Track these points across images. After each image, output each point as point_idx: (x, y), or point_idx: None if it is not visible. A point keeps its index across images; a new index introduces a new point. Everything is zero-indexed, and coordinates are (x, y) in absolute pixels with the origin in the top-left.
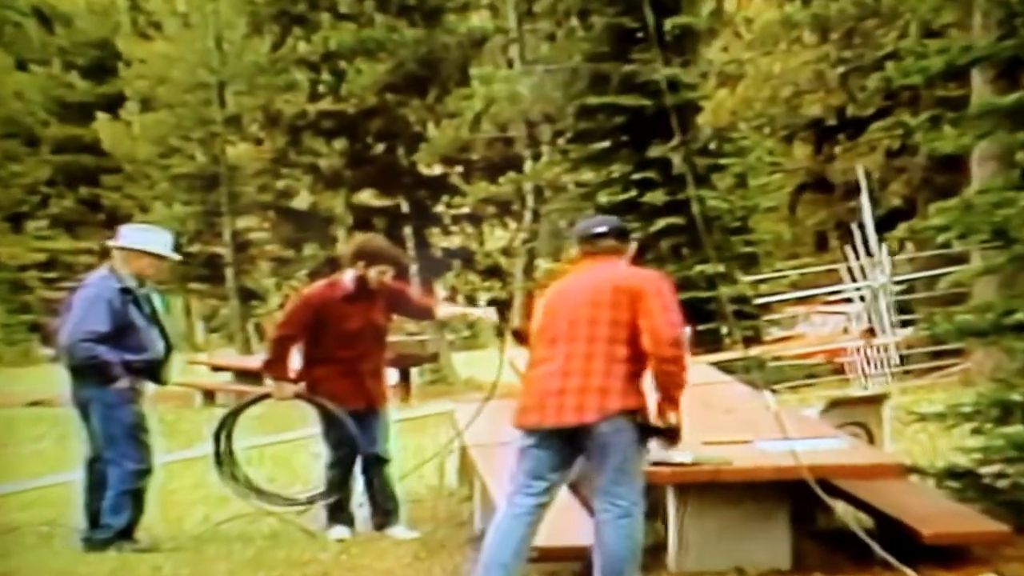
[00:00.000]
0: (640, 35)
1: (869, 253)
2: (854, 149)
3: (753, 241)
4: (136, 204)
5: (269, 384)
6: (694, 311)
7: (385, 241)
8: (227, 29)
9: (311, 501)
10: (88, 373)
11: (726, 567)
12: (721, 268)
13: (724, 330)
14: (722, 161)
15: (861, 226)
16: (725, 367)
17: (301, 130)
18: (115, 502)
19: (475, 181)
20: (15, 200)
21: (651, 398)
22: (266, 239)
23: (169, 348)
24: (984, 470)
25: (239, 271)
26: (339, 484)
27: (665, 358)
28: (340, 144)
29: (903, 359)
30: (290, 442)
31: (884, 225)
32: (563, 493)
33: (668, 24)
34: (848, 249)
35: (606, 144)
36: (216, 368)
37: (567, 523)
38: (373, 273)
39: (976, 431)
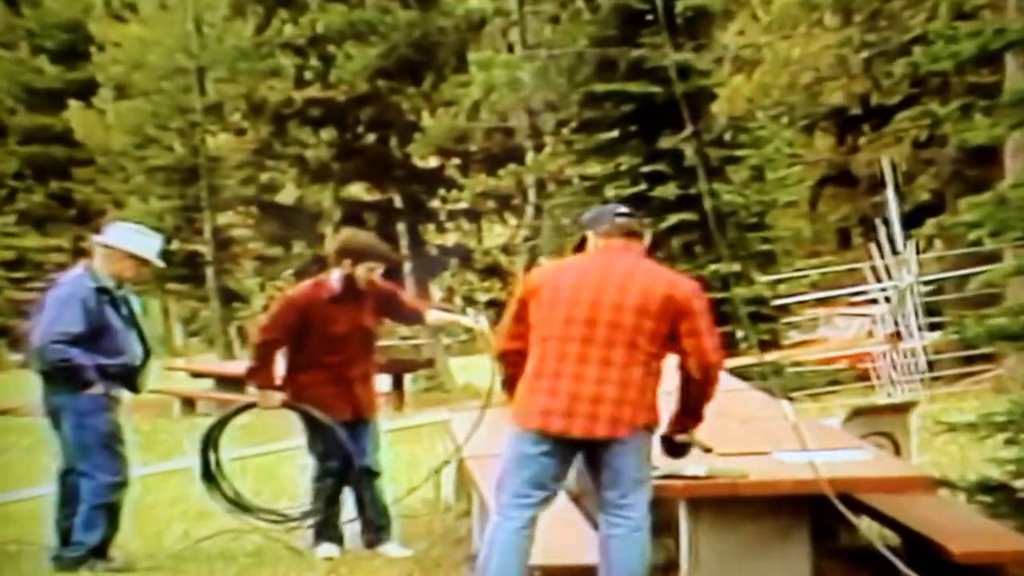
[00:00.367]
0: (650, 17)
1: (895, 251)
2: (879, 140)
3: (771, 238)
4: (110, 199)
5: (253, 392)
6: None
7: (372, 237)
8: (207, 11)
9: (305, 517)
10: (60, 378)
11: None
12: (736, 267)
13: (740, 334)
14: (738, 153)
15: (886, 222)
16: (741, 373)
17: (287, 119)
18: (88, 517)
19: (473, 174)
20: None
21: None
22: (249, 236)
23: (147, 354)
24: (1018, 483)
25: (220, 271)
26: (327, 498)
27: (709, 381)
28: (328, 134)
29: (931, 365)
30: (275, 453)
31: (911, 221)
32: (565, 508)
33: (680, 5)
34: (872, 247)
35: (613, 134)
36: (196, 374)
37: (571, 539)
38: (361, 271)
39: (1010, 441)
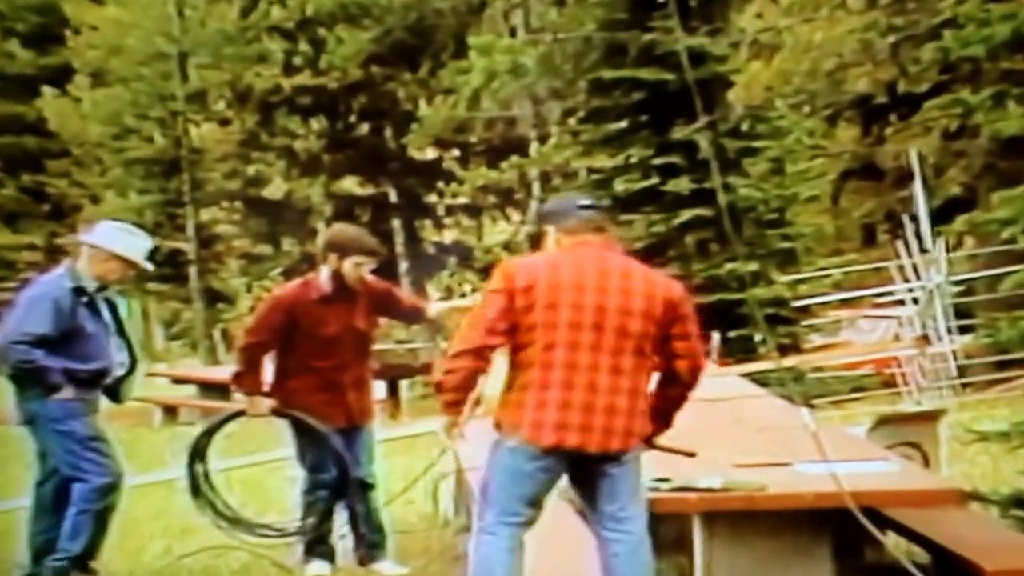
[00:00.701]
0: None
1: (923, 249)
2: (906, 130)
3: (791, 235)
4: (86, 193)
5: (240, 399)
6: (724, 315)
7: (359, 229)
8: None
9: (298, 532)
10: (28, 382)
11: None
12: (754, 266)
13: (757, 337)
14: (755, 144)
15: (914, 218)
16: (758, 379)
17: (274, 108)
18: (74, 523)
19: (473, 167)
20: None
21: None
22: (235, 233)
23: (134, 361)
24: None
25: (204, 270)
26: (320, 513)
27: (692, 385)
28: (319, 124)
29: (962, 370)
30: (262, 465)
31: (940, 217)
32: (567, 523)
33: None
34: (899, 244)
35: (623, 124)
36: (177, 380)
37: (574, 556)
38: (348, 266)
39: None
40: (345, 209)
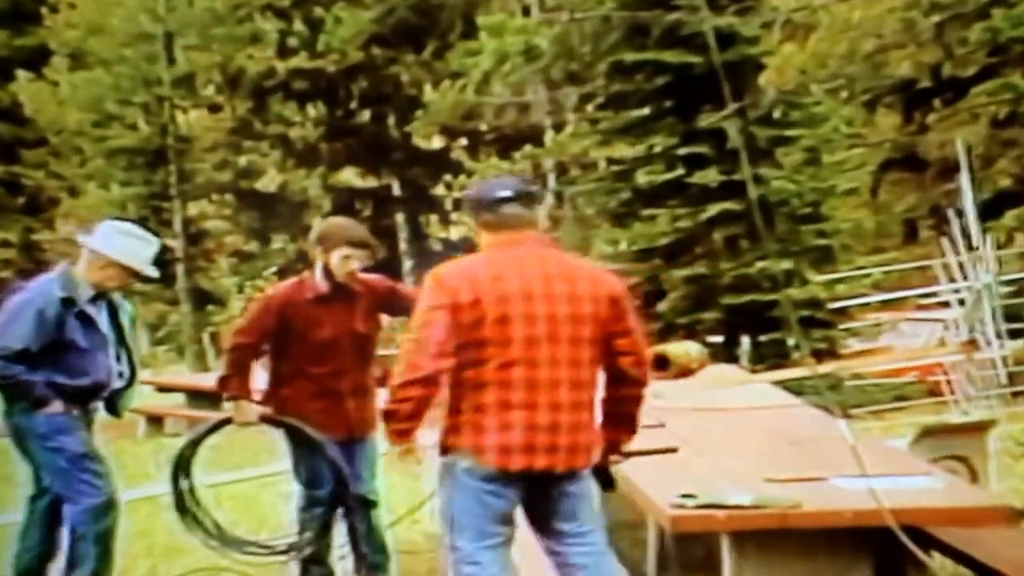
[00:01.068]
0: None
1: (970, 246)
2: (952, 117)
3: (827, 231)
4: (64, 185)
5: (229, 407)
6: (754, 317)
7: (350, 220)
8: None
9: (294, 550)
10: (13, 396)
11: None
12: (788, 265)
13: (791, 341)
14: (789, 132)
15: (960, 213)
16: (792, 387)
17: (268, 93)
18: (74, 551)
19: (483, 157)
20: None
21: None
22: (225, 229)
23: (133, 373)
24: None
25: (192, 268)
26: (317, 530)
27: (643, 382)
28: (316, 111)
29: (1012, 377)
30: (253, 480)
31: (989, 212)
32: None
33: None
34: (944, 241)
35: (645, 111)
36: (163, 388)
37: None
38: (335, 260)
39: None
40: (345, 203)
